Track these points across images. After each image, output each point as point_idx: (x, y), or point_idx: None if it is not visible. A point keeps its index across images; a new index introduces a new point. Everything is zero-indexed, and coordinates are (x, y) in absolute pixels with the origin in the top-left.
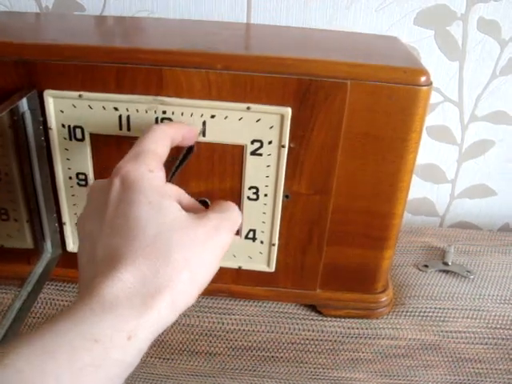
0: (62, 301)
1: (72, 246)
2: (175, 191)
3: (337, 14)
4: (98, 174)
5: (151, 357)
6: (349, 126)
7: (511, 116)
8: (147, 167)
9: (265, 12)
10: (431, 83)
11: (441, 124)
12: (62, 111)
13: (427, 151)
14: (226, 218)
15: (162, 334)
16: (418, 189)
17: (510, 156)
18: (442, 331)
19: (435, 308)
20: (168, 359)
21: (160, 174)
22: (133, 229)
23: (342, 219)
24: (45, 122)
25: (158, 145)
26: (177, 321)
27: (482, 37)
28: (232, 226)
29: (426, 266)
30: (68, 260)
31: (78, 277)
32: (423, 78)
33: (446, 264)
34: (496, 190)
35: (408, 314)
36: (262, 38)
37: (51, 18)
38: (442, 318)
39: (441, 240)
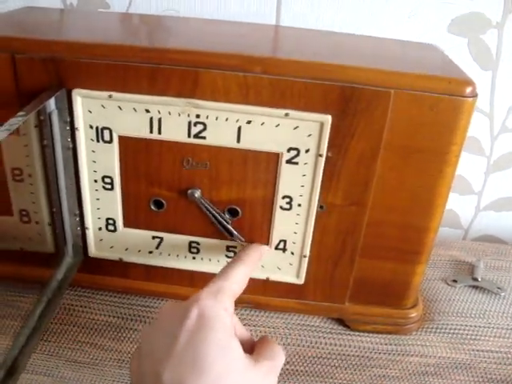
0: (82, 307)
1: (94, 251)
2: (236, 324)
3: (368, 20)
4: (125, 179)
5: None
6: (389, 137)
7: None
8: (223, 305)
9: (294, 15)
10: (476, 95)
11: (470, 134)
12: (91, 111)
13: None
14: (276, 366)
15: None
16: None
17: None
18: (473, 350)
19: (466, 325)
20: None
21: (231, 311)
22: (201, 365)
23: (377, 232)
24: (72, 123)
25: (238, 285)
26: None
27: None
28: (278, 371)
29: (455, 280)
30: (89, 265)
31: (98, 282)
32: (469, 89)
33: (475, 279)
34: None
35: (438, 330)
36: (296, 42)
37: (76, 15)
38: (473, 336)
39: (468, 254)
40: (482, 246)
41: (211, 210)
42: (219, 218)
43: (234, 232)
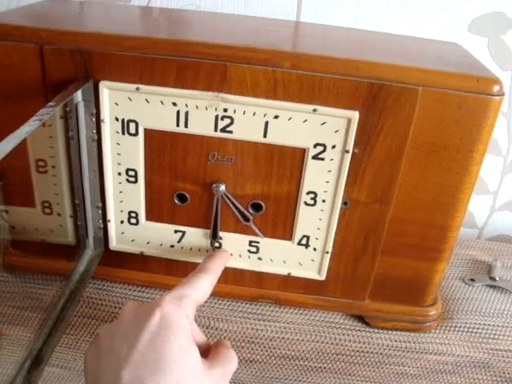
0: (101, 300)
1: (115, 243)
2: (193, 330)
3: (389, 17)
4: (149, 172)
5: None
6: (416, 134)
7: None
8: (185, 311)
9: (315, 11)
10: (503, 93)
11: None
12: (117, 104)
13: None
14: (228, 372)
15: None
16: None
17: None
18: (491, 349)
19: (484, 324)
20: None
21: (191, 317)
22: (162, 367)
23: (399, 229)
24: (98, 114)
25: (202, 293)
26: (219, 326)
27: None
28: (230, 376)
29: (473, 280)
30: (109, 258)
31: (118, 275)
32: (496, 88)
33: (493, 279)
34: None
35: (456, 329)
36: (322, 38)
37: (98, 7)
38: (491, 336)
39: (485, 253)
40: (499, 246)
41: (235, 204)
42: (243, 212)
43: (255, 228)
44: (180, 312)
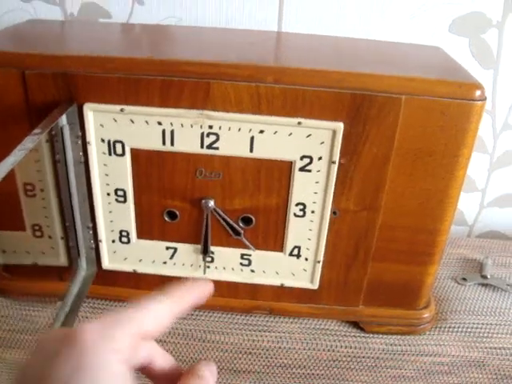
0: (96, 318)
1: (107, 263)
2: (153, 356)
3: (370, 22)
4: (138, 191)
5: None
6: (401, 142)
7: None
8: (117, 345)
9: (296, 20)
10: (485, 98)
11: None
12: (102, 125)
13: None
14: None
15: (201, 353)
16: None
17: None
18: (486, 347)
19: (478, 323)
20: None
21: (128, 352)
22: None
23: (389, 236)
24: (83, 137)
25: (154, 323)
26: (215, 339)
27: None
28: None
29: (465, 279)
30: (102, 277)
31: (112, 294)
32: (478, 93)
33: (484, 277)
34: None
35: (451, 329)
36: (303, 49)
37: (79, 27)
38: (485, 334)
39: (475, 251)
40: (489, 243)
41: (225, 218)
42: (233, 226)
43: (246, 241)
44: (105, 347)
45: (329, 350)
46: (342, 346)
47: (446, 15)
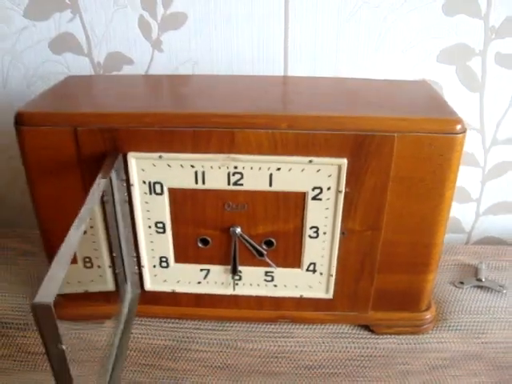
0: (141, 334)
1: (149, 285)
2: None
3: (367, 58)
4: (175, 223)
5: (222, 379)
6: (396, 171)
7: None
8: None
9: (300, 64)
10: (466, 130)
11: (464, 150)
12: (143, 170)
13: None
14: None
15: (231, 358)
16: None
17: None
18: (482, 342)
19: (474, 321)
20: (238, 381)
21: None
22: None
23: (391, 250)
24: (128, 180)
25: None
26: (246, 347)
27: (499, 69)
28: None
29: (462, 282)
30: (145, 298)
31: (153, 312)
32: (459, 127)
33: (479, 280)
34: None
35: (450, 328)
36: (308, 95)
37: (112, 81)
38: (481, 331)
39: (471, 257)
40: (484, 249)
41: (250, 242)
42: (257, 249)
43: (269, 260)
44: None
45: (345, 351)
46: (356, 347)
47: (434, 48)
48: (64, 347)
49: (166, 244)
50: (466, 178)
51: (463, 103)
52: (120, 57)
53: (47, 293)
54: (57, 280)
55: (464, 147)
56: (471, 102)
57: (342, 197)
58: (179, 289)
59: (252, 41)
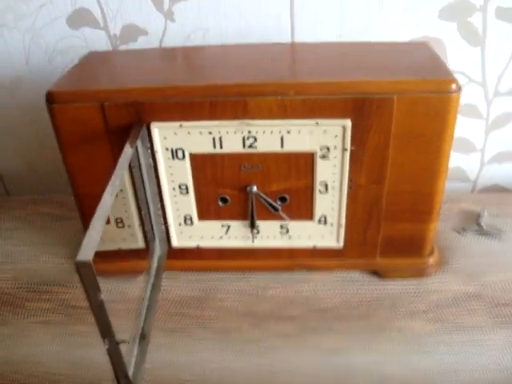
0: (169, 286)
1: (176, 242)
2: None
3: (369, 19)
4: (197, 184)
5: (245, 324)
6: (396, 128)
7: None
8: None
9: (307, 28)
10: (460, 89)
11: (468, 102)
12: (166, 138)
13: (457, 127)
14: None
15: (254, 305)
16: (451, 159)
17: None
18: (481, 283)
19: (474, 264)
20: (259, 325)
21: None
22: None
23: (395, 200)
24: (152, 147)
25: None
26: (265, 294)
27: (499, 23)
28: None
29: (464, 229)
30: (173, 253)
31: (180, 265)
32: (453, 86)
33: (480, 226)
34: None
35: (452, 270)
36: (313, 61)
37: (132, 56)
38: (480, 273)
39: (474, 204)
40: (487, 197)
41: (266, 199)
42: (272, 204)
43: (283, 214)
44: None
45: (355, 295)
46: (366, 291)
47: (435, 5)
48: (102, 296)
49: (190, 204)
50: (469, 129)
51: (465, 58)
52: (135, 28)
53: (87, 251)
54: (94, 240)
55: (459, 104)
56: (473, 56)
57: (347, 154)
58: (203, 244)
59: (260, 6)
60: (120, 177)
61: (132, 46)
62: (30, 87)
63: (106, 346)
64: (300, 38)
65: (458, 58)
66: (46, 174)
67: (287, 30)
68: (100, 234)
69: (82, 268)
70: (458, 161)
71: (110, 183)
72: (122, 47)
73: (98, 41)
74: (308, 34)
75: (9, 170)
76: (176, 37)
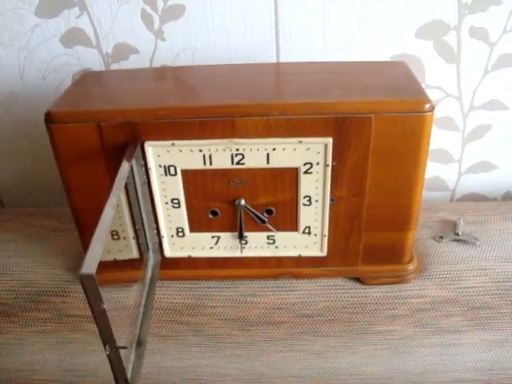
0: (162, 294)
1: (169, 252)
2: None
3: (352, 38)
4: (188, 198)
5: (235, 329)
6: (375, 146)
7: (504, 103)
8: None
9: (290, 48)
10: (433, 108)
11: (445, 116)
12: (159, 155)
13: (436, 139)
14: None
15: (242, 311)
16: (430, 170)
17: (505, 136)
18: (457, 288)
19: (451, 270)
20: (248, 330)
21: None
22: None
23: (374, 212)
24: (146, 164)
25: None
26: (253, 301)
27: (473, 41)
28: None
29: (441, 237)
30: (166, 263)
31: (173, 275)
32: (427, 106)
33: (457, 234)
34: (497, 165)
35: (430, 277)
36: (297, 82)
37: (125, 76)
38: (457, 278)
39: (452, 213)
40: (464, 206)
41: (253, 212)
42: (259, 217)
43: (270, 226)
44: None
45: (339, 301)
46: (348, 297)
47: (412, 25)
48: (105, 306)
49: (182, 217)
50: (447, 141)
51: (442, 74)
52: (126, 47)
53: (90, 264)
54: (97, 254)
55: (433, 121)
56: (449, 72)
57: (329, 170)
58: (194, 254)
59: (245, 26)
60: (118, 194)
61: (124, 63)
62: (24, 102)
63: (107, 352)
64: (285, 56)
65: (435, 74)
66: (39, 185)
67: (273, 49)
68: (102, 249)
69: (85, 280)
70: (437, 171)
71: (108, 201)
72: (114, 65)
73: (90, 59)
74: (292, 53)
75: (4, 182)
76: (166, 55)
